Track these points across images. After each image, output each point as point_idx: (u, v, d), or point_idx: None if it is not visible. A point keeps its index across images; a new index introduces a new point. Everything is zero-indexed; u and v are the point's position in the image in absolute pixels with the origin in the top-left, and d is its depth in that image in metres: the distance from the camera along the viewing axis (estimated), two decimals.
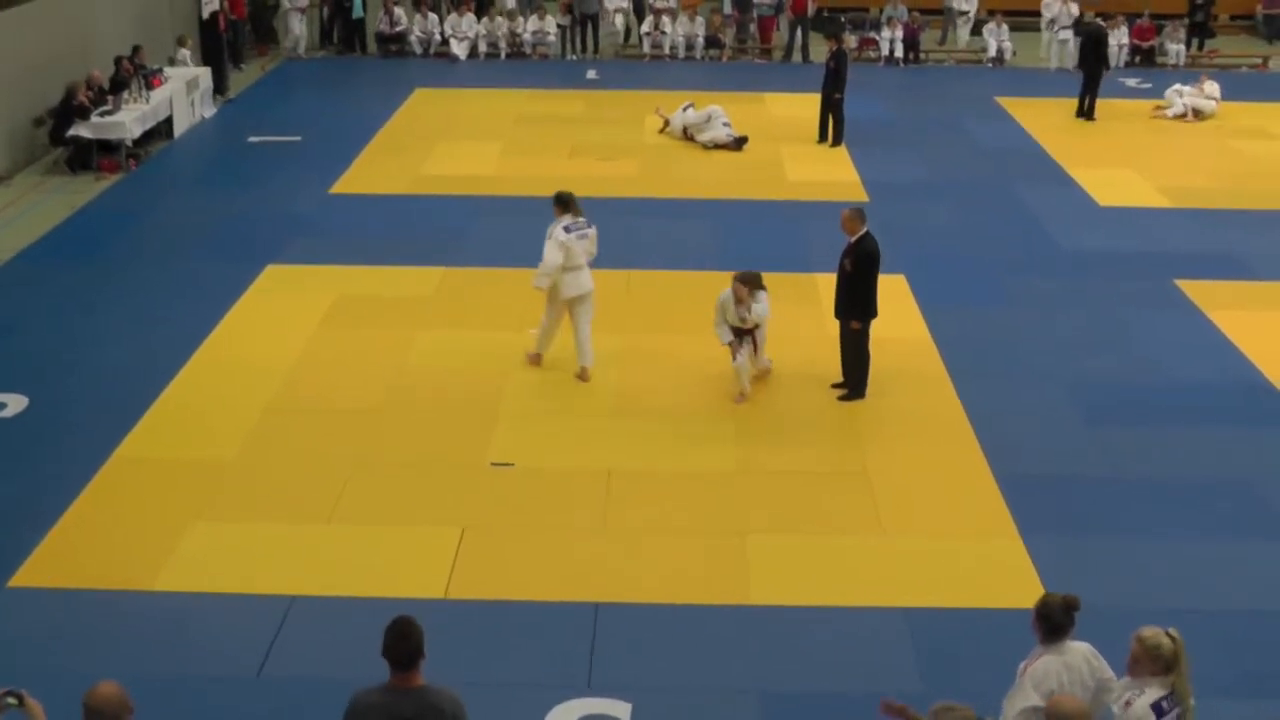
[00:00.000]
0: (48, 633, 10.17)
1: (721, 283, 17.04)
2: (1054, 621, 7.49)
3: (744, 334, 14.14)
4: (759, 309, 14.00)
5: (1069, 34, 31.73)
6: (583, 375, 14.47)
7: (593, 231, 14.55)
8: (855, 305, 13.94)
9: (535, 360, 14.75)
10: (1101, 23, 28.34)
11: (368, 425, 13.52)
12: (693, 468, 12.79)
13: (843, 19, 34.05)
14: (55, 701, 6.99)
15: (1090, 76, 27.09)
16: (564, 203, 14.45)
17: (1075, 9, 31.83)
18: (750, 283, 13.96)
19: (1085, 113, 27.07)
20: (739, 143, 24.22)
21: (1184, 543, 11.63)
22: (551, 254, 14.15)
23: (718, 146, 24.19)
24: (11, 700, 6.69)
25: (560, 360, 14.79)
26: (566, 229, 14.19)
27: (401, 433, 13.40)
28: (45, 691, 7.02)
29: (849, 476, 12.67)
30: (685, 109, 24.82)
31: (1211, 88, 27.55)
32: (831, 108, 24.61)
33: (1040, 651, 7.52)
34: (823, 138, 24.67)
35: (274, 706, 9.32)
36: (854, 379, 14.19)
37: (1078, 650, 7.55)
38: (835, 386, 14.30)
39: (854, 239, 13.80)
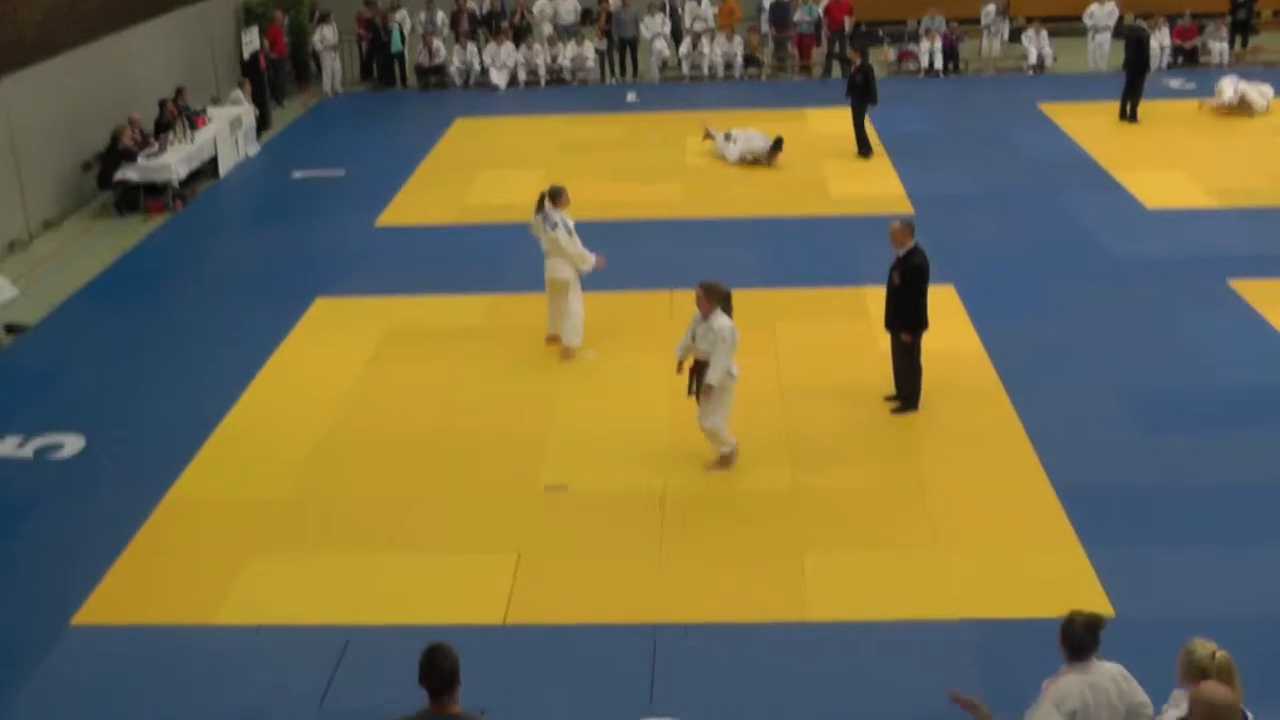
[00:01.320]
0: (111, 670, 10.23)
1: (769, 301, 17.09)
2: (1077, 640, 7.33)
3: (693, 374, 12.99)
4: (711, 335, 12.62)
5: (1104, 36, 31.56)
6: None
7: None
8: (905, 318, 13.87)
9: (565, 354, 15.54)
10: (1144, 25, 28.14)
11: (421, 455, 13.54)
12: (747, 486, 12.74)
13: (880, 32, 34.04)
14: None
15: (1133, 79, 26.90)
16: (556, 196, 15.67)
17: (1115, 11, 31.65)
18: (711, 293, 12.77)
19: (1129, 115, 26.87)
20: (776, 146, 24.22)
21: (1249, 549, 11.45)
22: (576, 242, 15.33)
23: (755, 160, 24.14)
24: None
25: (609, 385, 14.80)
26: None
27: (455, 461, 13.41)
28: None
29: (904, 490, 12.59)
30: (727, 139, 24.75)
31: (1266, 88, 27.27)
32: (859, 120, 24.64)
33: (1065, 670, 7.36)
34: (863, 151, 24.63)
35: None
36: (906, 392, 14.12)
37: (1106, 671, 7.38)
38: (888, 399, 14.22)
39: (902, 252, 13.73)
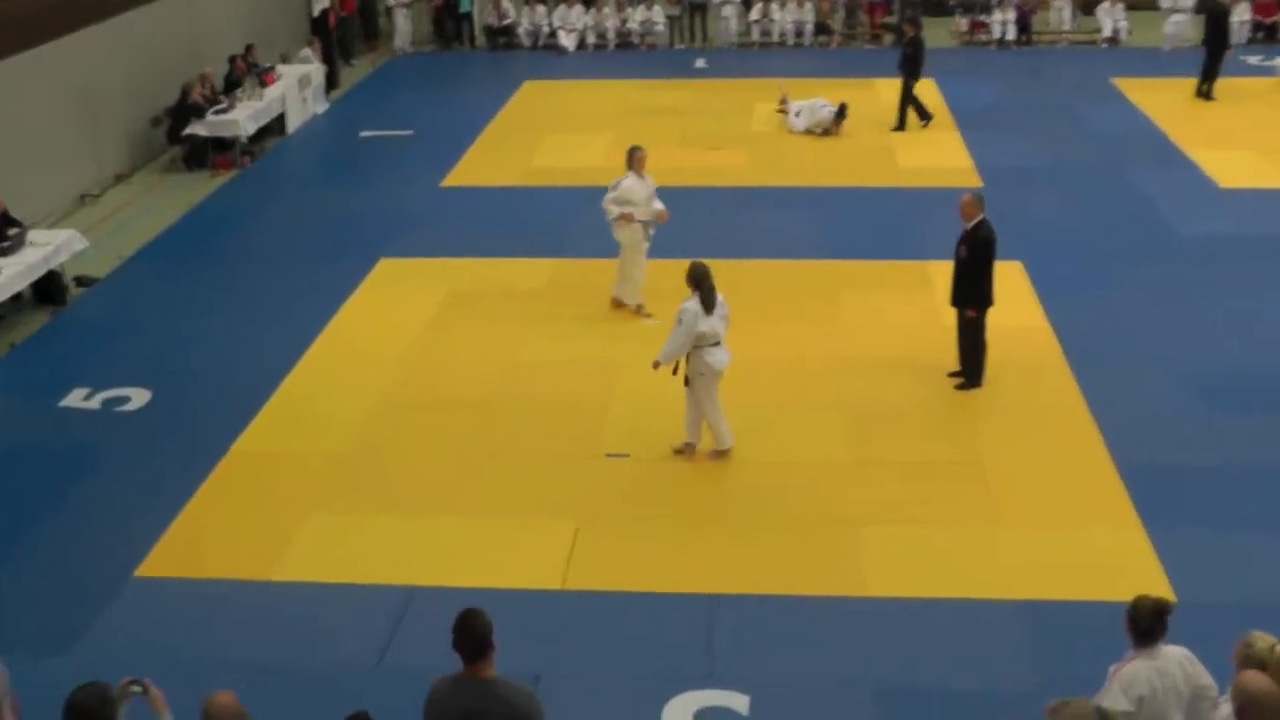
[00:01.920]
0: (172, 622, 10.37)
1: (833, 271, 17.02)
2: (1144, 625, 7.24)
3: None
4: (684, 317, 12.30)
5: (1181, 16, 31.04)
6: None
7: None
8: (971, 293, 13.77)
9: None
10: (1224, 0, 27.70)
11: (482, 417, 13.60)
12: (807, 458, 12.71)
13: (951, 2, 33.69)
14: (179, 690, 7.09)
15: (1211, 55, 26.47)
16: (629, 155, 15.86)
17: None
18: (687, 273, 12.50)
19: (1205, 93, 26.48)
20: (840, 113, 24.12)
21: None
22: (611, 197, 15.77)
23: (825, 132, 24.01)
24: (136, 688, 6.80)
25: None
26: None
27: (516, 424, 13.45)
28: (169, 680, 7.12)
29: (965, 466, 12.52)
30: (795, 115, 24.61)
31: None
32: (906, 92, 24.50)
33: (1132, 655, 7.28)
34: (923, 118, 24.49)
35: (394, 696, 9.36)
36: (970, 368, 14.02)
37: (1172, 655, 7.29)
38: (952, 375, 14.13)
39: (970, 225, 13.61)
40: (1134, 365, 14.48)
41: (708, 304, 12.27)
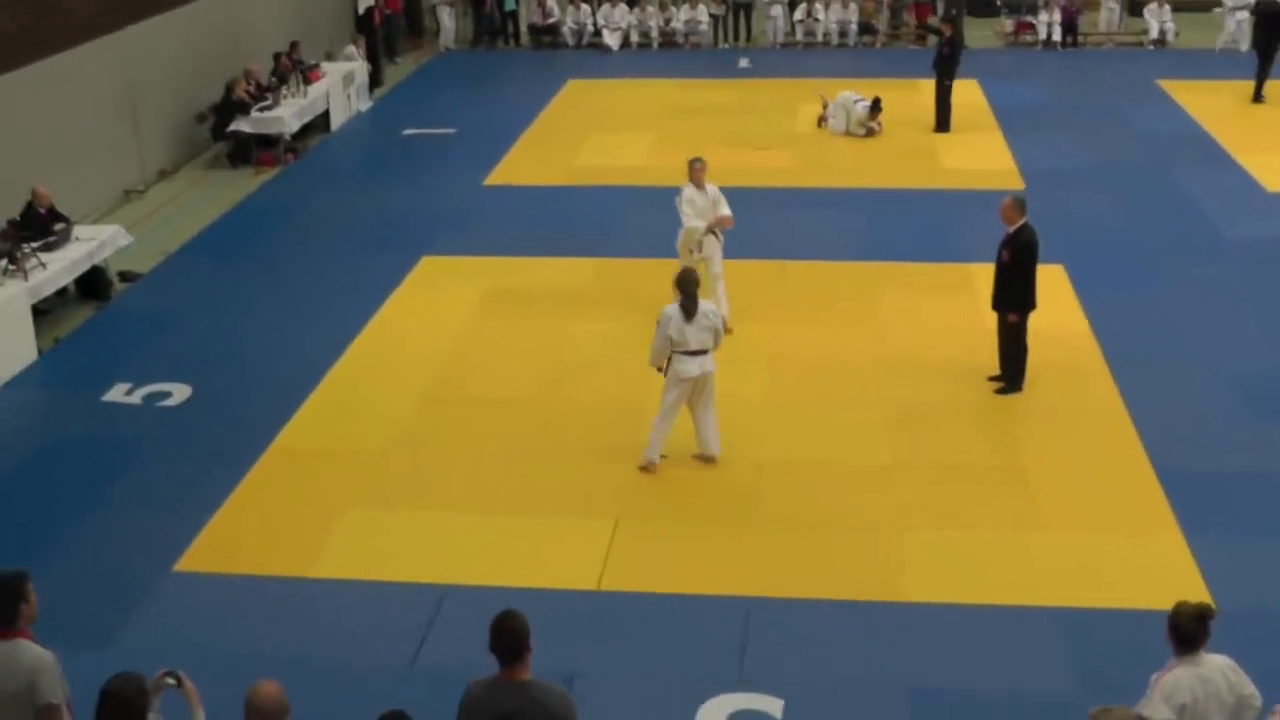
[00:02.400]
0: (210, 617, 10.42)
1: (875, 273, 16.99)
2: (1186, 632, 7.14)
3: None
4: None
5: (1244, 15, 30.66)
6: None
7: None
8: (1013, 298, 13.69)
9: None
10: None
11: (522, 416, 13.62)
12: (845, 460, 12.67)
13: (998, 2, 33.52)
14: (213, 684, 7.13)
15: (1265, 56, 26.22)
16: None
17: None
18: (676, 280, 12.37)
19: (1258, 97, 26.17)
20: (875, 106, 24.09)
21: None
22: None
23: (869, 132, 23.94)
24: (170, 681, 6.85)
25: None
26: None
27: (555, 424, 13.47)
28: (204, 674, 7.17)
29: (1005, 471, 12.46)
30: (832, 115, 24.55)
31: None
32: (941, 93, 24.34)
33: (1174, 663, 7.19)
34: (941, 126, 24.34)
35: (428, 695, 9.37)
36: (1010, 372, 13.95)
37: (1215, 663, 7.21)
38: (992, 379, 14.06)
39: (1012, 229, 13.54)
40: (1175, 369, 14.38)
41: (687, 310, 12.13)
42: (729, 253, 15.51)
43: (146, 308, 16.80)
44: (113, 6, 20.72)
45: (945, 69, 24.22)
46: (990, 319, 14.17)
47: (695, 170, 15.40)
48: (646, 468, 12.54)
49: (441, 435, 13.33)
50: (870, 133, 24.00)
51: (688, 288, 12.18)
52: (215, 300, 16.86)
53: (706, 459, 12.62)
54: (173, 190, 21.64)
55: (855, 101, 24.19)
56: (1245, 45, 30.00)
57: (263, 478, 12.55)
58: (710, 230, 15.28)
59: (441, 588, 10.69)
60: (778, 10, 32.53)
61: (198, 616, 10.43)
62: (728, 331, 13.74)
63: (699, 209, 15.32)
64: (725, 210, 15.42)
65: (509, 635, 6.73)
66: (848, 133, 24.12)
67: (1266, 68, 26.16)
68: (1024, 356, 13.91)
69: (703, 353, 12.25)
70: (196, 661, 7.73)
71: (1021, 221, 13.50)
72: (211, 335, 15.78)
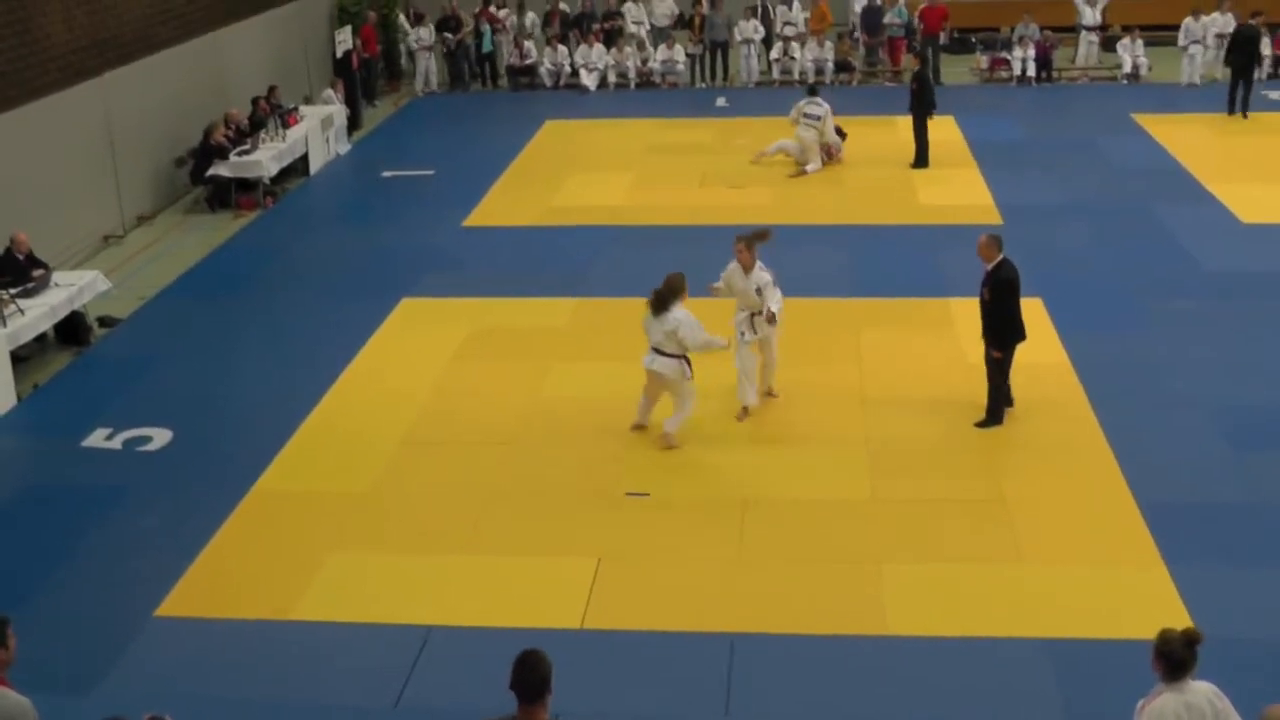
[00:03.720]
0: (192, 661, 10.36)
1: (855, 309, 17.02)
2: (1175, 658, 7.18)
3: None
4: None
5: (1196, 49, 30.91)
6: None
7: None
8: (994, 334, 13.72)
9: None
10: (1256, 24, 27.74)
11: (503, 456, 13.61)
12: (828, 496, 12.68)
13: (974, 39, 33.73)
14: None
15: (1240, 71, 26.49)
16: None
17: (1232, 21, 30.72)
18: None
19: (1239, 108, 26.39)
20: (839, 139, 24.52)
21: None
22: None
23: (829, 155, 24.23)
24: None
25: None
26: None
27: (537, 463, 13.46)
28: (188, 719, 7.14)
29: (987, 504, 12.47)
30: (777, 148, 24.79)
31: None
32: (919, 129, 24.46)
33: (1160, 689, 7.22)
34: (919, 162, 24.42)
35: None
36: (991, 406, 13.97)
37: (1200, 690, 7.24)
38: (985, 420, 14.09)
39: (990, 266, 13.59)
40: (1155, 402, 14.42)
41: (654, 307, 13.40)
42: (705, 290, 15.18)
43: (126, 353, 16.76)
44: (92, 50, 20.75)
45: (919, 105, 24.32)
46: (972, 353, 14.25)
47: (737, 251, 14.40)
48: (639, 427, 13.93)
49: (423, 476, 13.30)
50: (831, 156, 24.11)
51: (665, 289, 13.38)
52: (195, 344, 16.83)
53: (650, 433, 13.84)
54: (152, 235, 21.62)
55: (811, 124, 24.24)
56: (1204, 76, 30.28)
57: (244, 521, 12.51)
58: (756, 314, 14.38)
59: (424, 628, 10.65)
60: (751, 49, 32.63)
61: (180, 661, 10.37)
62: (773, 395, 14.76)
63: (736, 289, 14.41)
64: (769, 303, 14.17)
65: (532, 673, 6.76)
66: (808, 168, 24.14)
67: (1247, 82, 26.42)
68: (1007, 392, 13.95)
69: (659, 352, 13.42)
70: (180, 707, 7.69)
71: (1000, 258, 13.55)
72: (192, 379, 15.75)
